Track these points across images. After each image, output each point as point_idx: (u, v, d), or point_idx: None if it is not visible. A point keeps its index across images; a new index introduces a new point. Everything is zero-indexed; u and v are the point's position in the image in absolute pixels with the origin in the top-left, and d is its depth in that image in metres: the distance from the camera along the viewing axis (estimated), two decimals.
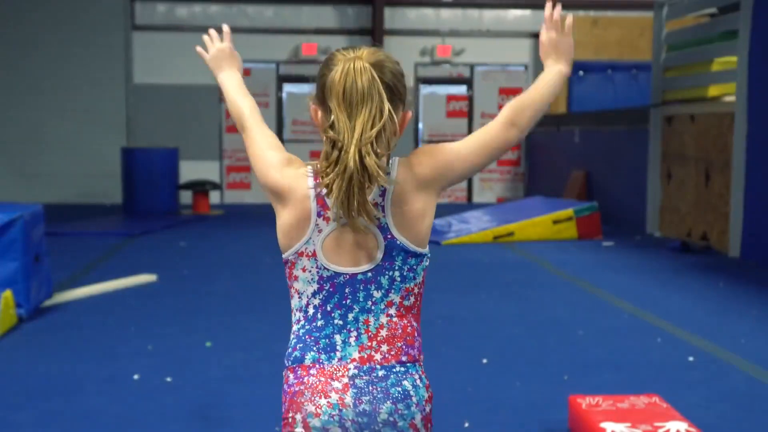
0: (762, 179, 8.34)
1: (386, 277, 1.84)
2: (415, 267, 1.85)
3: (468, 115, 15.80)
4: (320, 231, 1.82)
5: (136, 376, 4.43)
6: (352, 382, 1.83)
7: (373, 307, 1.85)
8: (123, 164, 13.22)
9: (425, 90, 15.81)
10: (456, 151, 1.94)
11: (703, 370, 4.63)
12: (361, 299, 1.84)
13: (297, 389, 1.85)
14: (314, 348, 1.86)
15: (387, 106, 1.76)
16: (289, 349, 1.90)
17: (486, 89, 15.77)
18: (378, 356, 1.84)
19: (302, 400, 1.83)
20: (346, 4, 15.37)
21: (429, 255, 1.87)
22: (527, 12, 15.75)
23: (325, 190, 1.77)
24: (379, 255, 1.82)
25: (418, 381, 1.87)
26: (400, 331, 1.86)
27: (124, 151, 13.31)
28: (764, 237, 8.26)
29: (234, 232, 10.88)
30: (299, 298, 1.90)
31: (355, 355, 1.84)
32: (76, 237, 10.04)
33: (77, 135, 14.88)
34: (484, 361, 4.78)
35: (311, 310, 1.88)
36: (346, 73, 1.77)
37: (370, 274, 1.83)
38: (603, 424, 3.32)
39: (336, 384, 1.83)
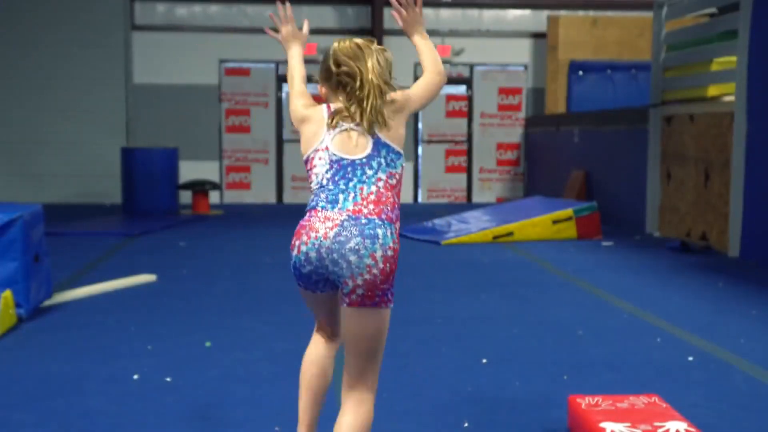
0: (761, 179, 8.35)
1: (375, 161, 2.76)
2: (395, 159, 2.80)
3: (467, 115, 15.80)
4: (330, 135, 2.79)
5: (135, 376, 4.43)
6: (340, 224, 2.65)
7: (366, 180, 2.73)
8: (123, 164, 13.22)
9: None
10: (412, 93, 2.95)
11: (702, 369, 4.63)
12: (358, 174, 2.73)
13: (303, 224, 2.73)
14: (324, 200, 2.71)
15: (387, 55, 2.91)
16: (309, 202, 2.78)
17: (485, 89, 15.77)
18: (365, 210, 2.68)
19: (303, 232, 2.71)
20: (345, 4, 15.37)
21: (403, 155, 2.84)
22: (527, 12, 15.75)
23: (333, 108, 2.84)
24: (370, 148, 2.77)
25: (388, 232, 2.68)
26: (384, 198, 2.73)
27: (123, 151, 13.31)
28: (764, 237, 8.26)
29: (234, 232, 10.88)
30: (316, 176, 2.77)
31: (350, 207, 2.68)
32: (75, 237, 10.05)
33: (77, 135, 14.88)
34: (484, 360, 4.78)
35: (324, 181, 2.75)
36: (345, 42, 2.87)
37: (364, 159, 2.75)
38: (603, 424, 3.32)
39: (328, 224, 2.66)
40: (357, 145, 2.75)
